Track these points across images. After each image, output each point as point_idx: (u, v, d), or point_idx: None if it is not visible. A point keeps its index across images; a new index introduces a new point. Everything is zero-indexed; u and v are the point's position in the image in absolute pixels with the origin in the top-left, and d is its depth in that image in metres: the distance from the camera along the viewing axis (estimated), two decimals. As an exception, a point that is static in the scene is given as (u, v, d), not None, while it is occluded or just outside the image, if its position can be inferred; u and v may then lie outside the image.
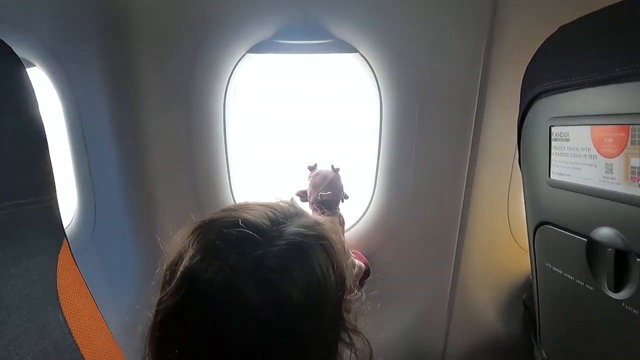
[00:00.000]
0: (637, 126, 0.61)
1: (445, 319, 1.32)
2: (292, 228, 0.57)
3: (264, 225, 0.56)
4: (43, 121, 0.80)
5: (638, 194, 0.63)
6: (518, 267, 1.29)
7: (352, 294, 0.62)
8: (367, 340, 0.62)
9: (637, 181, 0.62)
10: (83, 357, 0.78)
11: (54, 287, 0.77)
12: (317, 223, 0.60)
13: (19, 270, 0.71)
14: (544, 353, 1.03)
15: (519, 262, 1.24)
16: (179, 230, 0.60)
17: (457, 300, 1.30)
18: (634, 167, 0.63)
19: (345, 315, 0.58)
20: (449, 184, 1.21)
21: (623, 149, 0.64)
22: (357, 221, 1.29)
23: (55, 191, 0.82)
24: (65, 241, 0.84)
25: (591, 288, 0.78)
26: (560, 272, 0.87)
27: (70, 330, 0.78)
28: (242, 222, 0.55)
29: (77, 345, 0.78)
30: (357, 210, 1.29)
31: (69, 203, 1.31)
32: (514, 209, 1.25)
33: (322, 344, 0.55)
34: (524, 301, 1.31)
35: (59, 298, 0.77)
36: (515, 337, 1.34)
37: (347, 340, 0.58)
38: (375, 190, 1.25)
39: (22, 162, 0.76)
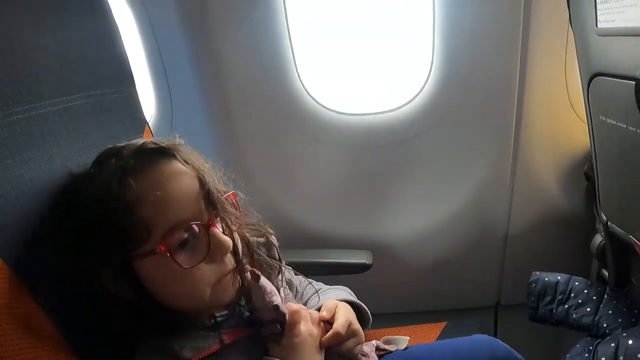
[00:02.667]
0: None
1: (508, 192, 1.38)
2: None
3: None
4: (117, 21, 0.89)
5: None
6: (578, 140, 1.31)
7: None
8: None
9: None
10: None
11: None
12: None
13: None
14: (603, 216, 1.07)
15: (579, 135, 1.27)
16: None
17: (519, 173, 1.35)
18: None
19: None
20: (503, 54, 1.23)
21: (661, -21, 0.66)
22: (416, 95, 1.32)
23: (134, 83, 0.92)
24: (147, 127, 0.96)
25: (643, 132, 0.81)
26: (614, 122, 0.89)
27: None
28: None
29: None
30: (413, 86, 1.33)
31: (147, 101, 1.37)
32: (572, 82, 1.25)
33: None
34: (585, 172, 1.32)
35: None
36: (578, 212, 1.38)
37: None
38: (433, 64, 1.28)
39: (101, 56, 0.85)
